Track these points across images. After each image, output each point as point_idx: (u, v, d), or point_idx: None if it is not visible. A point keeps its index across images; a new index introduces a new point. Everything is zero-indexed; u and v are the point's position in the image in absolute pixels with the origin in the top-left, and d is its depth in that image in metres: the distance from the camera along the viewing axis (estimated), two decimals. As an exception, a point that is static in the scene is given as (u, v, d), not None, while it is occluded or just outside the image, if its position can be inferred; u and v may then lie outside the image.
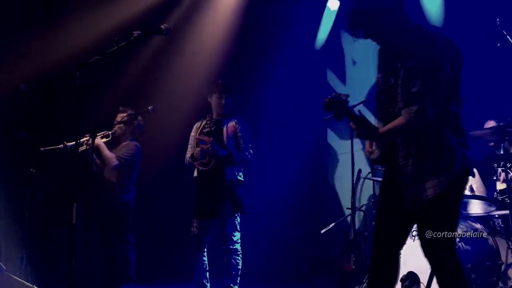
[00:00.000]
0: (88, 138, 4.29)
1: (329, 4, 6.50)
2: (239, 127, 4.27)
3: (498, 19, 3.65)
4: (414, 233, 4.12)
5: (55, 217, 5.45)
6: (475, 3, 5.43)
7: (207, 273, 4.20)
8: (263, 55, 6.69)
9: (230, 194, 4.12)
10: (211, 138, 4.12)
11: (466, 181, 2.45)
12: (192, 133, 4.40)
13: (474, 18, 5.67)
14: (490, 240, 4.20)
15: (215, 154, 4.07)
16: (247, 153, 4.23)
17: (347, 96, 2.39)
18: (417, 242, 4.04)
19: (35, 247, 4.80)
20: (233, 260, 4.11)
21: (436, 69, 2.36)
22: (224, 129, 4.23)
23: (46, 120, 5.74)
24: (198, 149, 4.15)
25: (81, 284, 3.00)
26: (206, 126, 4.33)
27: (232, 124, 4.27)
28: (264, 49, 6.68)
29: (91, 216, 3.30)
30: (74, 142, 3.70)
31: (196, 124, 4.45)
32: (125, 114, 4.70)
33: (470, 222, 4.28)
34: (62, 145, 4.33)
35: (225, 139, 4.19)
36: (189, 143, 4.41)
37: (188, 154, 4.35)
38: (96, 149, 4.55)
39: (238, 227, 4.17)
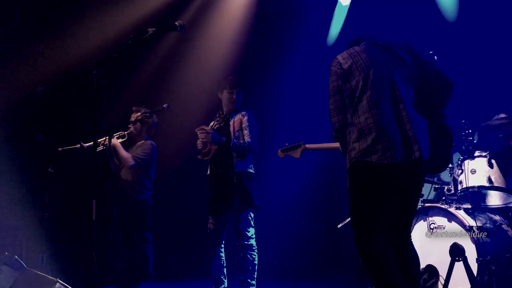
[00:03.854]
0: (104, 138, 4.34)
1: None
2: (245, 118, 4.26)
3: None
4: (432, 226, 4.12)
5: (74, 216, 5.52)
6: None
7: (225, 269, 4.21)
8: (276, 51, 6.69)
9: (240, 188, 4.10)
10: (209, 127, 4.15)
11: (361, 168, 2.72)
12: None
13: (488, 9, 5.62)
14: (510, 231, 4.16)
15: (209, 139, 4.08)
16: (246, 141, 4.18)
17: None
18: (435, 235, 4.05)
19: (55, 247, 4.87)
20: (248, 256, 4.10)
21: (329, 87, 2.88)
22: (231, 122, 4.24)
23: (63, 120, 5.81)
24: (199, 140, 4.16)
25: (101, 281, 3.04)
26: (216, 123, 4.36)
27: (239, 116, 4.27)
28: (277, 45, 6.69)
29: (110, 214, 3.33)
30: (91, 142, 3.76)
31: (211, 123, 4.44)
32: (139, 114, 4.73)
33: (489, 213, 4.24)
34: (79, 145, 4.38)
35: (232, 132, 4.20)
36: None
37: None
38: (113, 149, 4.59)
39: (252, 222, 4.15)
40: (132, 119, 4.78)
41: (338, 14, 6.63)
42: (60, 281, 3.83)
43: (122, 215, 4.63)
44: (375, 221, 2.72)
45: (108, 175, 3.34)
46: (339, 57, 2.90)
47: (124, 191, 4.70)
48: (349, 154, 2.77)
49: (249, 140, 4.18)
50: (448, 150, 2.81)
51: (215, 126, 4.34)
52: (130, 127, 4.78)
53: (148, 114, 4.71)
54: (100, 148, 4.41)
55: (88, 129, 2.82)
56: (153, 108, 4.72)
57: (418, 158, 2.66)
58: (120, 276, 4.60)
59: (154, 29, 2.79)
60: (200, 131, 4.13)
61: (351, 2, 6.46)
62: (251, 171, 4.23)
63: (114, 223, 3.79)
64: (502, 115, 4.76)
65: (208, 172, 4.28)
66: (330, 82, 2.88)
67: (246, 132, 4.22)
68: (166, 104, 4.49)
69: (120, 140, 4.69)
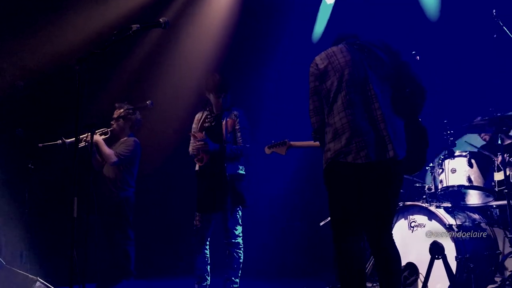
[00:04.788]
0: (87, 135, 4.29)
1: (325, -3, 6.51)
2: (238, 120, 4.26)
3: (494, 10, 3.66)
4: (413, 224, 4.17)
5: (55, 213, 5.45)
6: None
7: (208, 266, 4.22)
8: (260, 48, 6.68)
9: (232, 189, 4.13)
10: (203, 134, 4.15)
11: (336, 169, 2.77)
12: (194, 125, 4.39)
13: (470, 9, 5.69)
14: (488, 230, 4.24)
15: (206, 150, 4.08)
16: (241, 146, 4.22)
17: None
18: (415, 233, 4.11)
19: (35, 244, 4.81)
20: (235, 254, 4.13)
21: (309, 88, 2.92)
22: (224, 123, 4.23)
23: (44, 116, 5.73)
24: (195, 145, 4.16)
25: (82, 278, 3.01)
26: (206, 120, 4.33)
27: (231, 117, 4.26)
28: (262, 42, 6.68)
29: (91, 211, 3.30)
30: (73, 138, 3.72)
31: (197, 115, 4.42)
32: (122, 110, 4.69)
33: (468, 212, 4.31)
34: (60, 141, 4.33)
35: (224, 133, 4.19)
36: (191, 134, 4.37)
37: (191, 146, 4.33)
38: (95, 146, 4.55)
39: (240, 221, 4.18)
40: (115, 115, 4.73)
41: (322, 12, 6.66)
42: (41, 279, 3.79)
43: (104, 212, 4.59)
44: (351, 221, 2.75)
45: (90, 172, 3.31)
46: (317, 58, 2.94)
47: (106, 188, 4.66)
48: (325, 154, 2.81)
49: (243, 144, 4.22)
50: (424, 151, 2.85)
51: (206, 123, 4.30)
52: (113, 124, 4.74)
53: (131, 111, 4.68)
54: (82, 144, 4.36)
55: (70, 125, 2.78)
56: (136, 104, 4.68)
57: (392, 157, 2.68)
58: (101, 273, 4.56)
59: (138, 25, 2.77)
60: (198, 141, 4.11)
61: (335, 1, 6.49)
62: (242, 172, 4.26)
63: (95, 220, 3.75)
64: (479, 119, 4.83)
65: (197, 168, 4.26)
66: (309, 83, 2.93)
67: (239, 135, 4.23)
68: (150, 101, 4.47)
69: (103, 137, 4.64)
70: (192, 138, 4.31)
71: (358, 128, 2.71)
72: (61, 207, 5.04)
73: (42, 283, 3.77)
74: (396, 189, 2.84)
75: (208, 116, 4.34)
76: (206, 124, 4.30)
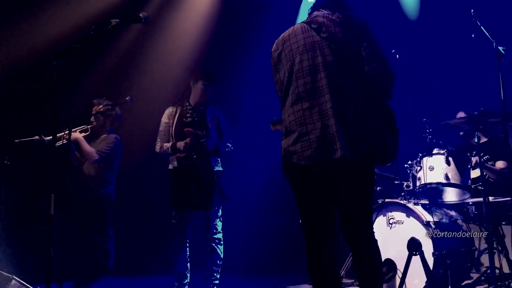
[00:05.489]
0: (66, 132, 4.22)
1: (307, -5, 6.53)
2: (220, 119, 4.24)
3: (472, 10, 3.71)
4: (391, 221, 4.22)
5: (31, 210, 5.36)
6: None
7: (188, 264, 4.20)
8: (241, 45, 6.67)
9: (217, 186, 4.12)
10: (204, 132, 4.03)
11: (287, 168, 2.55)
12: (165, 120, 4.24)
13: (449, 9, 5.77)
14: (465, 226, 4.31)
15: (207, 148, 4.02)
16: (230, 145, 4.23)
17: None
18: (394, 230, 4.15)
19: (10, 241, 4.72)
20: (217, 249, 4.14)
21: None
22: (208, 120, 4.19)
23: (21, 111, 5.62)
24: (185, 142, 4.01)
25: (60, 276, 2.97)
26: (186, 115, 4.20)
27: (214, 115, 4.23)
28: (242, 39, 6.66)
29: (68, 208, 3.26)
30: (52, 136, 3.65)
31: (169, 110, 4.26)
32: (100, 106, 4.63)
33: (446, 209, 4.39)
34: (37, 137, 4.26)
35: (210, 130, 4.16)
36: (161, 130, 4.23)
37: (160, 143, 4.20)
38: (75, 143, 4.50)
39: (220, 217, 4.19)
40: (94, 112, 4.67)
41: (304, 10, 6.67)
42: (16, 278, 3.72)
43: (83, 209, 4.54)
44: (312, 226, 2.53)
45: (68, 168, 3.27)
46: (274, 44, 2.66)
47: (86, 185, 4.61)
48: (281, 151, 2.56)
49: (231, 145, 4.23)
50: (393, 140, 2.47)
51: (187, 118, 4.18)
52: (93, 121, 4.68)
53: (110, 107, 4.62)
54: (61, 142, 4.28)
55: (48, 121, 2.73)
56: (115, 100, 4.63)
57: (340, 157, 2.36)
58: (79, 271, 4.51)
59: (118, 20, 2.73)
60: (193, 136, 3.99)
61: (316, -1, 6.51)
62: (221, 168, 4.24)
63: (73, 217, 3.70)
64: (462, 114, 4.92)
65: (175, 165, 4.16)
66: None
67: (222, 134, 4.21)
68: (129, 97, 4.41)
69: (83, 134, 4.59)
70: (166, 131, 4.20)
71: (304, 126, 2.43)
72: (38, 204, 4.95)
73: (18, 281, 3.70)
74: (359, 188, 2.48)
75: (189, 110, 4.22)
76: (188, 119, 4.19)
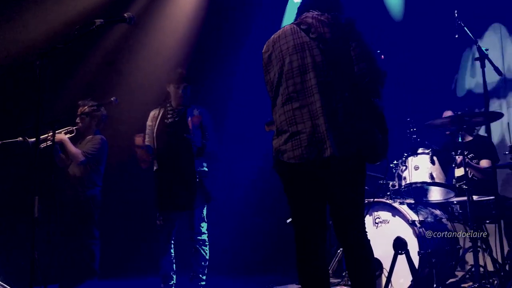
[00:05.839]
0: (50, 134, 4.18)
1: (292, -5, 6.54)
2: (203, 117, 4.24)
3: (456, 11, 3.75)
4: (377, 220, 4.25)
5: (15, 213, 5.29)
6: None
7: (174, 265, 4.18)
8: (227, 45, 6.66)
9: (200, 186, 4.11)
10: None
11: (278, 167, 2.58)
12: (149, 122, 4.29)
13: (433, 10, 5.83)
14: (449, 225, 4.36)
15: (196, 145, 4.04)
16: (215, 149, 4.23)
17: None
18: (380, 229, 4.18)
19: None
20: (201, 250, 4.13)
21: None
22: (189, 119, 4.19)
23: (3, 112, 5.55)
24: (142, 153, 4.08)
25: (44, 278, 2.94)
26: (168, 116, 4.23)
27: (196, 114, 4.23)
28: (228, 39, 6.66)
29: (53, 210, 3.22)
30: (35, 138, 3.61)
31: (153, 112, 4.31)
32: (86, 107, 4.59)
33: (431, 208, 4.43)
34: (21, 138, 4.20)
35: (192, 129, 4.15)
36: (147, 132, 4.26)
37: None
38: (60, 145, 4.46)
39: (205, 218, 4.17)
40: (79, 113, 4.63)
41: (290, 10, 6.68)
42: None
43: (69, 210, 4.49)
44: (304, 221, 2.54)
45: (52, 170, 3.24)
46: (264, 46, 2.71)
47: (72, 186, 4.56)
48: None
49: (217, 144, 4.24)
50: (382, 139, 2.50)
51: (168, 119, 4.21)
52: (78, 122, 4.64)
53: (95, 108, 4.59)
54: (45, 144, 4.24)
55: (31, 122, 2.70)
56: (100, 101, 4.59)
57: (330, 156, 2.39)
58: (64, 273, 4.47)
59: (102, 20, 2.72)
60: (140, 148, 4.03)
61: (302, -1, 6.52)
62: (205, 169, 4.24)
63: (58, 219, 3.67)
64: (449, 113, 4.97)
65: (157, 167, 4.19)
66: None
67: (206, 134, 4.20)
68: (114, 98, 4.38)
69: (69, 135, 4.55)
70: (150, 132, 4.22)
71: (294, 125, 2.47)
72: (22, 206, 4.89)
73: (1, 285, 3.65)
74: (349, 188, 2.50)
75: (170, 111, 4.25)
76: (169, 120, 4.21)
